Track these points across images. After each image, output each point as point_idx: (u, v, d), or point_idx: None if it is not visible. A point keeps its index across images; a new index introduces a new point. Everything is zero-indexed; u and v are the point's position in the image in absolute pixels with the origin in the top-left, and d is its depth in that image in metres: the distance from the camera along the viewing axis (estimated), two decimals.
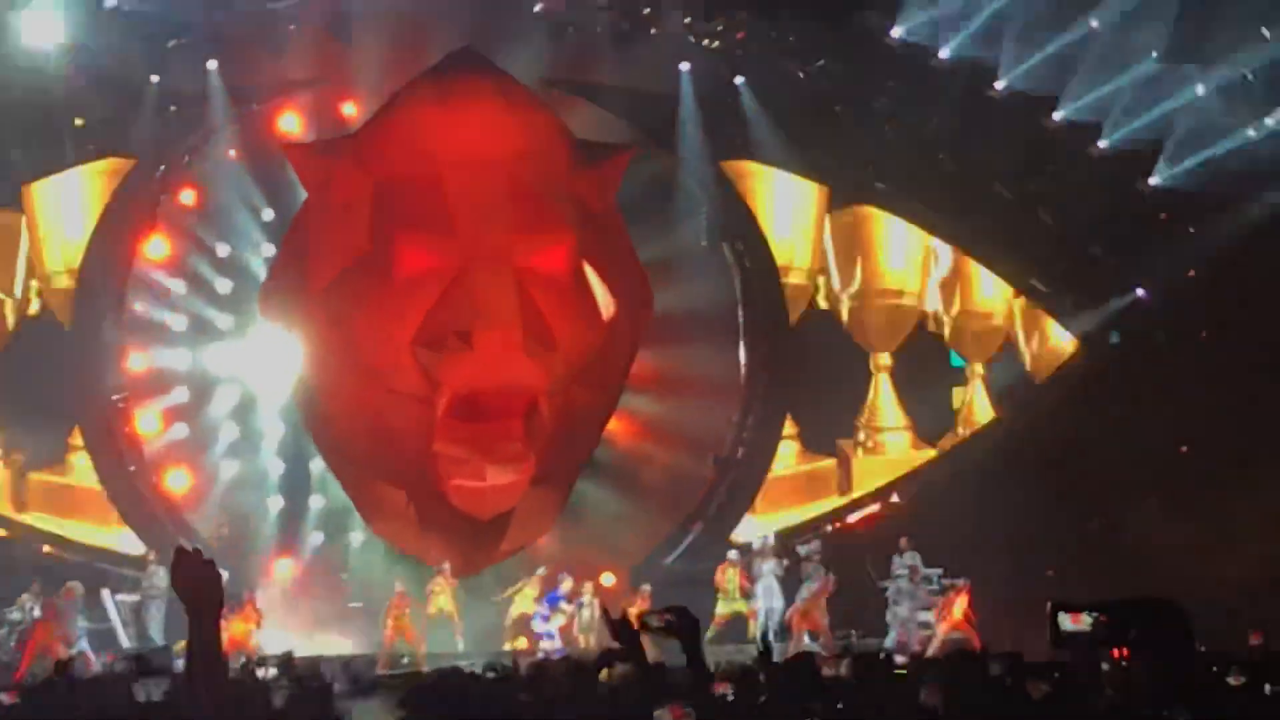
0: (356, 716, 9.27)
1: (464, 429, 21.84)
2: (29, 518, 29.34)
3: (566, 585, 27.80)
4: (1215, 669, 11.05)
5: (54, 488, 29.82)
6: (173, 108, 28.78)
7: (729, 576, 27.90)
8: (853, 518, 30.94)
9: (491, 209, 21.84)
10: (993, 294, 31.75)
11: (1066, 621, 8.28)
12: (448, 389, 21.38)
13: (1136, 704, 9.34)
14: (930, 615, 28.33)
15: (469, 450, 22.03)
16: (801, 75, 29.19)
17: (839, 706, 10.38)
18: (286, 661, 21.48)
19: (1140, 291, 29.91)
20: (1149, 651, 7.91)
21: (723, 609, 27.74)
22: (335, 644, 27.21)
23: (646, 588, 27.33)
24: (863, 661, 12.82)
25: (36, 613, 26.26)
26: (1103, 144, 29.05)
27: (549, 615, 27.77)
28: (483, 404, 21.59)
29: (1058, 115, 28.98)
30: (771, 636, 27.71)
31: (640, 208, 26.81)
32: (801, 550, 28.99)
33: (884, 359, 31.93)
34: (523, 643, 27.28)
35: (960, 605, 27.24)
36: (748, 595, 27.91)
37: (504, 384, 21.42)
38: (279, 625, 27.50)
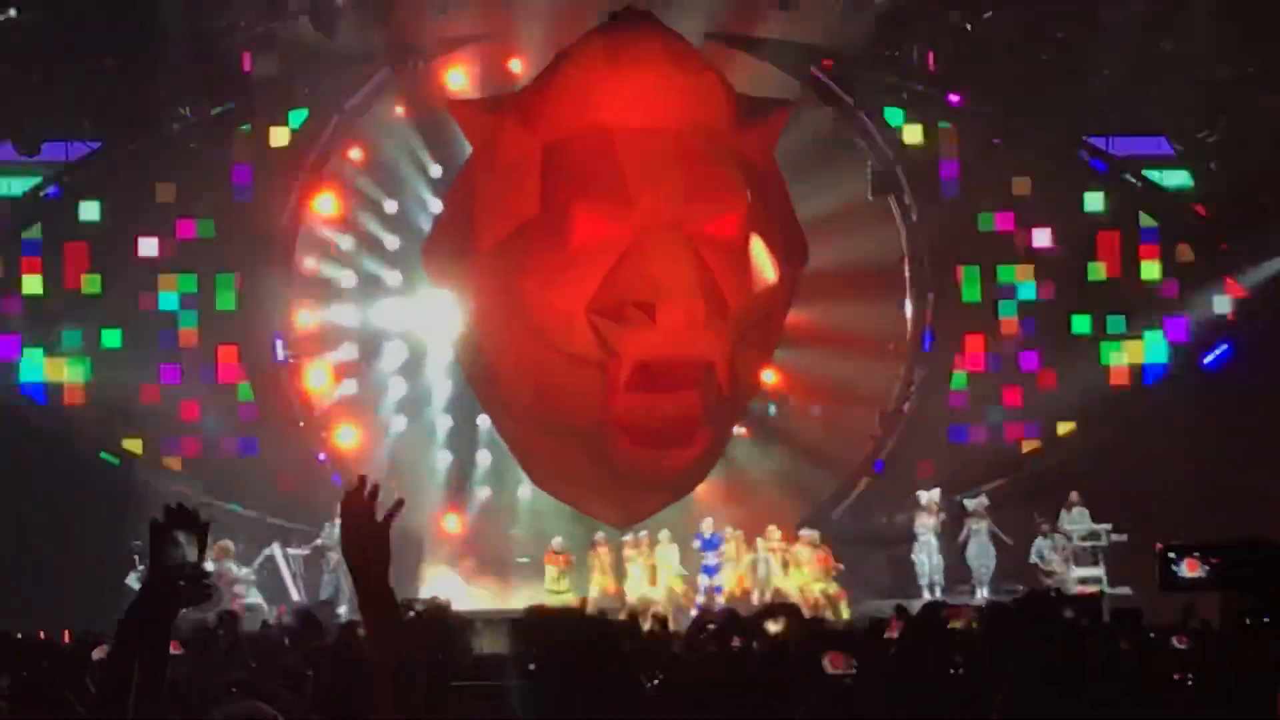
0: (480, 643, 9.22)
1: (641, 400, 21.70)
2: None
3: (708, 527, 28.00)
4: None
5: None
6: (340, 65, 28.96)
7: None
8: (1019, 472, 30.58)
9: (664, 175, 21.64)
10: None
11: (1183, 569, 7.87)
12: (627, 360, 21.34)
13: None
14: (1098, 571, 28.14)
15: (647, 422, 21.98)
16: (968, 27, 28.83)
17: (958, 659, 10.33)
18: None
19: None
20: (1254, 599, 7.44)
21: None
22: (503, 599, 27.57)
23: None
24: (991, 613, 12.76)
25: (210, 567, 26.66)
26: None
27: (717, 566, 27.87)
28: (661, 376, 21.49)
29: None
30: (931, 590, 27.74)
31: (801, 163, 26.63)
32: (968, 504, 28.88)
33: None
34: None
35: None
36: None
37: (685, 357, 21.29)
38: (446, 580, 27.90)
